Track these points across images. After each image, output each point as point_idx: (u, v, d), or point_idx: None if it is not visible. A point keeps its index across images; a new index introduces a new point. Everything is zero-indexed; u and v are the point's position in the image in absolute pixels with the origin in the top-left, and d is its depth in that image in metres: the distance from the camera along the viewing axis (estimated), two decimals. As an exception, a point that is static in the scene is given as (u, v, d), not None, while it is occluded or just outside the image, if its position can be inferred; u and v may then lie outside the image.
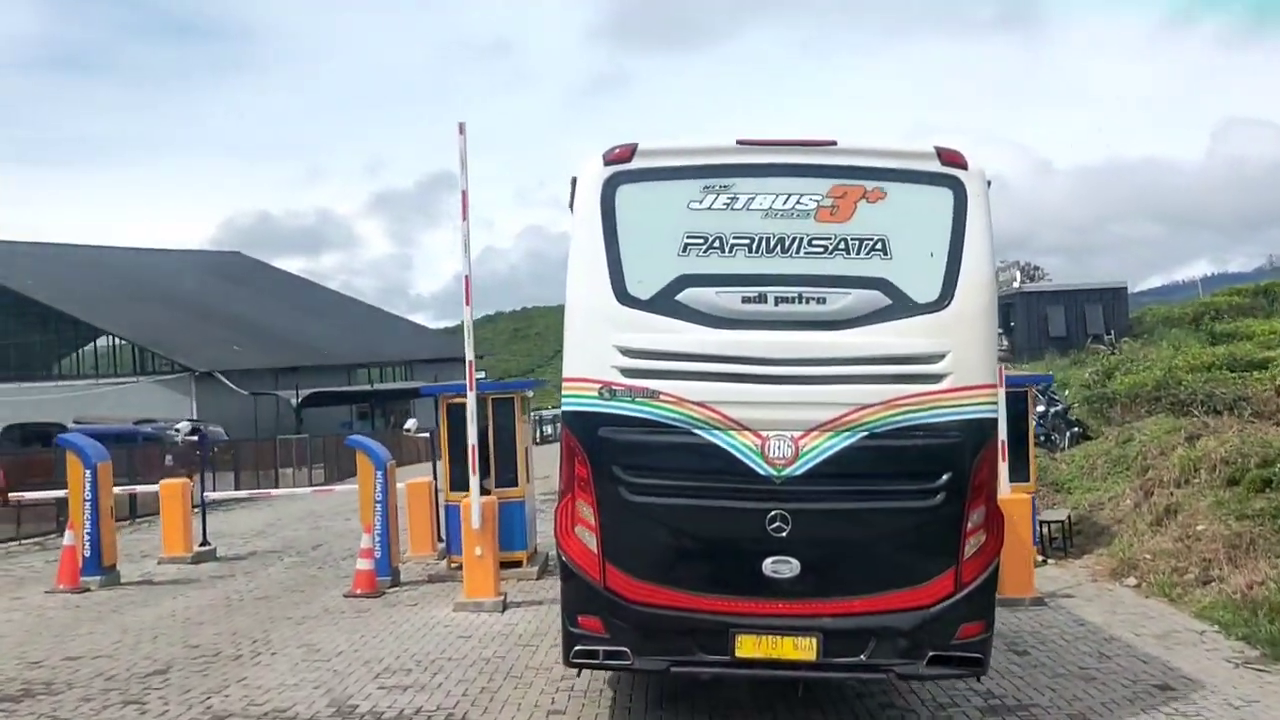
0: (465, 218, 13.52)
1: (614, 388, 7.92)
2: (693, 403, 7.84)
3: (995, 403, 8.15)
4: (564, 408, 8.18)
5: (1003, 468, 13.93)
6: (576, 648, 8.12)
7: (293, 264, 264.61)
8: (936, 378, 7.84)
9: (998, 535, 8.11)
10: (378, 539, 15.44)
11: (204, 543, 19.30)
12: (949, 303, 7.90)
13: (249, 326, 63.85)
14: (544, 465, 35.93)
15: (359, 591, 14.92)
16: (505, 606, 13.65)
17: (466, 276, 13.48)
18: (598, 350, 7.97)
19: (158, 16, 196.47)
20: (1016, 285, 46.46)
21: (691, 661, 7.91)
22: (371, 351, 69.81)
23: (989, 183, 8.21)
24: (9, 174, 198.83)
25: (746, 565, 7.77)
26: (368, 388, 64.25)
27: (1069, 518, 17.17)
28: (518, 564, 16.00)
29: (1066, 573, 15.36)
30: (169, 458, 36.35)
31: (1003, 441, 13.98)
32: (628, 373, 7.92)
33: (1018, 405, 15.74)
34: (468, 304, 13.53)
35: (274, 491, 23.87)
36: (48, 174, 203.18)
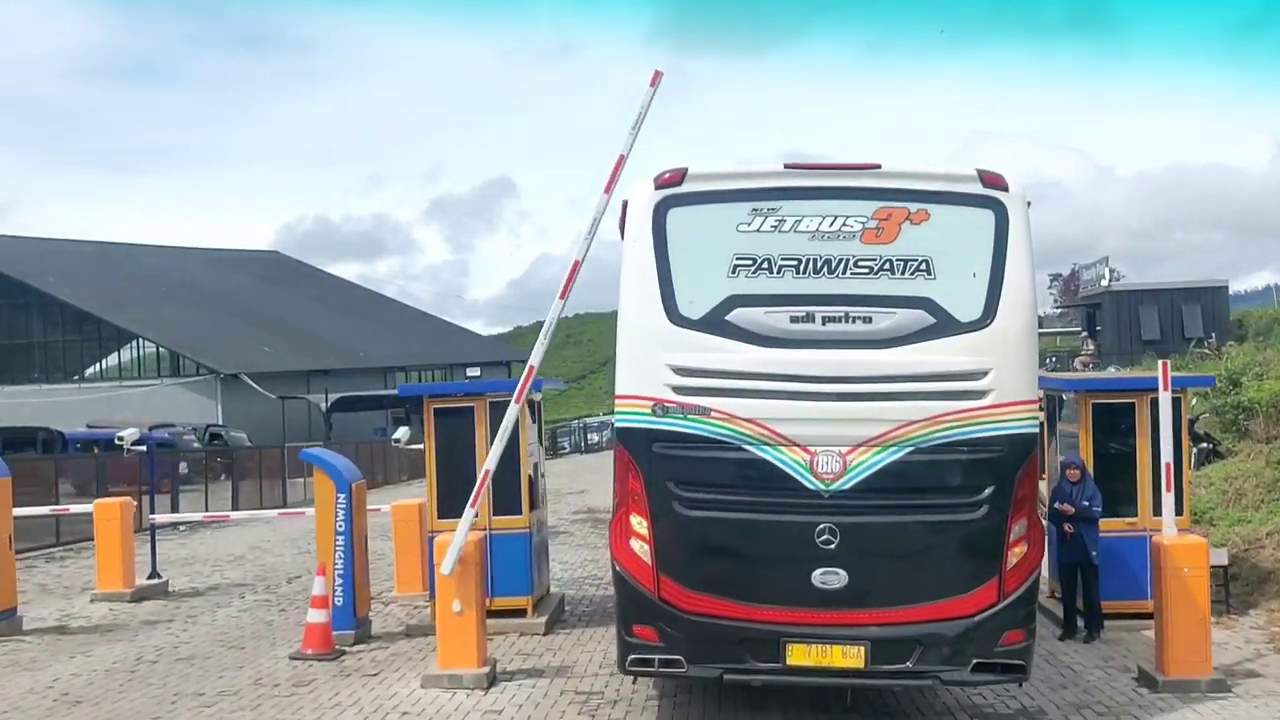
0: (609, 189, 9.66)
1: (666, 405, 8.14)
2: (743, 419, 8.05)
3: (1036, 418, 8.30)
4: (617, 424, 8.45)
5: (1167, 500, 10.32)
6: (632, 656, 8.31)
7: (349, 269, 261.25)
8: (979, 394, 8.05)
9: (1039, 546, 8.40)
10: (338, 583, 12.03)
11: (152, 575, 15.97)
12: (991, 321, 8.10)
13: (282, 327, 61.03)
14: (585, 478, 33.24)
15: (309, 652, 11.51)
16: (493, 679, 10.25)
17: (577, 260, 9.97)
18: (650, 369, 8.18)
19: (222, 27, 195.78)
20: (1105, 283, 42.37)
21: (744, 669, 8.15)
22: (411, 355, 66.71)
23: (1029, 203, 8.34)
24: (73, 180, 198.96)
25: (796, 576, 7.98)
26: (402, 391, 61.05)
27: (1228, 562, 13.40)
28: (520, 613, 12.58)
29: (1236, 636, 11.69)
30: (183, 465, 33.36)
31: (1167, 464, 10.37)
32: (679, 390, 8.14)
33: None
34: (561, 296, 10.12)
35: (232, 514, 20.59)
36: (111, 180, 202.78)
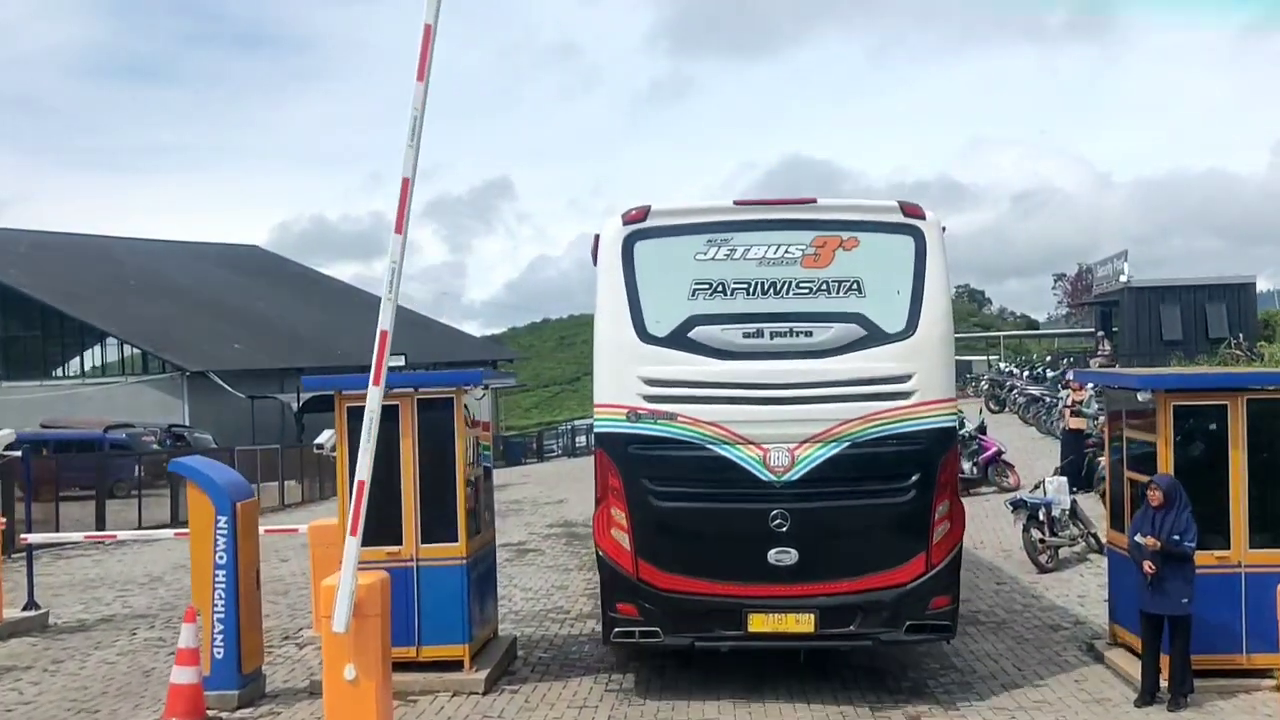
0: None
1: (639, 412, 9.36)
2: (706, 422, 9.30)
3: (955, 414, 9.84)
4: (596, 429, 9.73)
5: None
6: (616, 630, 9.51)
7: (347, 270, 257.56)
8: (906, 395, 9.34)
9: (960, 523, 9.65)
10: (217, 630, 9.45)
11: (29, 605, 13.36)
12: (913, 332, 9.39)
13: (257, 324, 58.34)
14: (566, 486, 30.83)
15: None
16: (400, 768, 7.68)
17: (406, 178, 7.85)
18: (624, 380, 9.42)
19: (222, 26, 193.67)
20: (1124, 279, 39.73)
21: (712, 637, 9.41)
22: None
23: (944, 229, 9.62)
24: (72, 179, 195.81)
25: (754, 556, 9.22)
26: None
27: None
28: (455, 665, 10.03)
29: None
30: (138, 468, 30.75)
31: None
32: (650, 399, 9.37)
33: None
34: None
35: (120, 534, 17.96)
36: (109, 180, 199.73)
